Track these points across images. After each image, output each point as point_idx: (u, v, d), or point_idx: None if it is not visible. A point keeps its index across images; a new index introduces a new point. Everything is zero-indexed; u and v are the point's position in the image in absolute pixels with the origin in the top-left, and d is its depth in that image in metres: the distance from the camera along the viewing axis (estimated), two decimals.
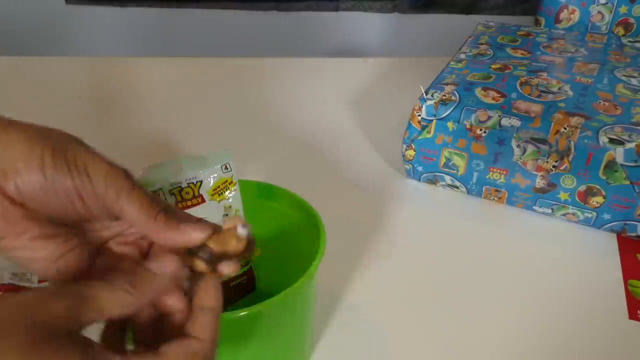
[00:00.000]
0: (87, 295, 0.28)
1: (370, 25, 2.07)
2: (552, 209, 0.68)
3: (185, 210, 0.49)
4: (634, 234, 0.65)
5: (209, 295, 0.34)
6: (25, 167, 0.30)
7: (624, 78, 0.73)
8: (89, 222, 0.35)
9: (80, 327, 0.28)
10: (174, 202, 0.46)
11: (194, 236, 0.33)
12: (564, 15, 1.07)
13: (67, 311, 0.27)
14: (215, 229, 0.34)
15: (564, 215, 0.68)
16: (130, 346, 0.34)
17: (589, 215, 0.66)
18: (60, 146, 0.31)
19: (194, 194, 0.47)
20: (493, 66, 0.76)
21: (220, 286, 0.34)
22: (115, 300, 0.29)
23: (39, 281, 0.58)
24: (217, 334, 0.33)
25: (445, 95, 0.70)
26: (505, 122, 0.66)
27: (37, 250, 0.33)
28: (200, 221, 0.34)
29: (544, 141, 0.64)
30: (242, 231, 0.33)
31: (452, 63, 0.79)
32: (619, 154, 0.61)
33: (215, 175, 0.47)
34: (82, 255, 0.35)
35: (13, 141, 0.31)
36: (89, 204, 0.32)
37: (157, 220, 0.33)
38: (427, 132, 0.70)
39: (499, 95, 0.69)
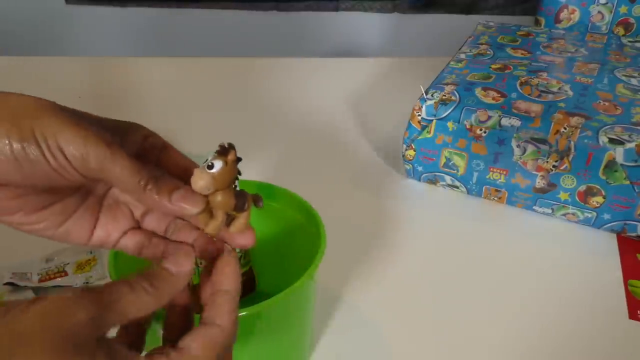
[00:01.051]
0: (110, 301, 0.28)
1: (370, 25, 2.07)
2: (552, 209, 0.68)
3: None
4: (634, 234, 0.65)
5: (225, 276, 0.33)
6: None
7: (624, 78, 0.73)
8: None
9: (104, 332, 0.27)
10: None
11: (187, 212, 0.32)
12: (564, 15, 1.07)
13: (91, 320, 0.26)
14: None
15: (564, 215, 0.68)
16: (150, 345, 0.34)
17: (589, 215, 0.66)
18: (26, 125, 0.29)
19: None
20: (493, 66, 0.76)
21: (237, 266, 0.33)
22: (137, 303, 0.29)
23: (39, 280, 0.58)
24: (236, 316, 0.32)
25: (445, 95, 0.70)
26: (505, 122, 0.66)
27: (36, 223, 0.33)
28: (190, 192, 0.32)
29: (544, 141, 0.64)
30: (212, 167, 0.32)
31: (452, 63, 0.79)
32: (619, 154, 0.61)
33: None
34: (91, 212, 0.34)
35: None
36: (72, 178, 0.31)
37: (147, 192, 0.31)
38: (427, 132, 0.70)
39: (499, 95, 0.69)
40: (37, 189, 0.32)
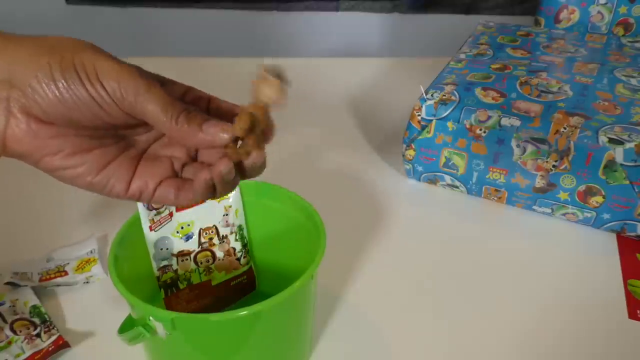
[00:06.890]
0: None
1: (370, 25, 2.07)
2: (552, 209, 0.68)
3: (186, 210, 0.49)
4: (633, 234, 0.65)
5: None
6: (38, 83, 0.30)
7: (623, 78, 0.73)
8: (127, 129, 0.35)
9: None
10: None
11: (218, 138, 0.33)
12: (563, 15, 1.07)
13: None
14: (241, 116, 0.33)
15: (564, 215, 0.68)
16: None
17: (589, 215, 0.66)
18: (67, 56, 0.30)
19: None
20: (493, 66, 0.76)
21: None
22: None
23: (39, 280, 0.58)
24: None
25: (445, 95, 0.70)
26: (505, 122, 0.66)
27: (75, 167, 0.33)
28: (220, 122, 0.33)
29: (543, 141, 0.64)
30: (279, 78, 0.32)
31: (452, 63, 0.79)
32: (618, 153, 0.61)
33: None
34: (130, 162, 0.35)
35: (19, 57, 0.30)
36: (111, 111, 0.32)
37: (179, 123, 0.32)
38: (427, 132, 0.70)
39: (499, 95, 0.69)
40: (79, 128, 0.32)
